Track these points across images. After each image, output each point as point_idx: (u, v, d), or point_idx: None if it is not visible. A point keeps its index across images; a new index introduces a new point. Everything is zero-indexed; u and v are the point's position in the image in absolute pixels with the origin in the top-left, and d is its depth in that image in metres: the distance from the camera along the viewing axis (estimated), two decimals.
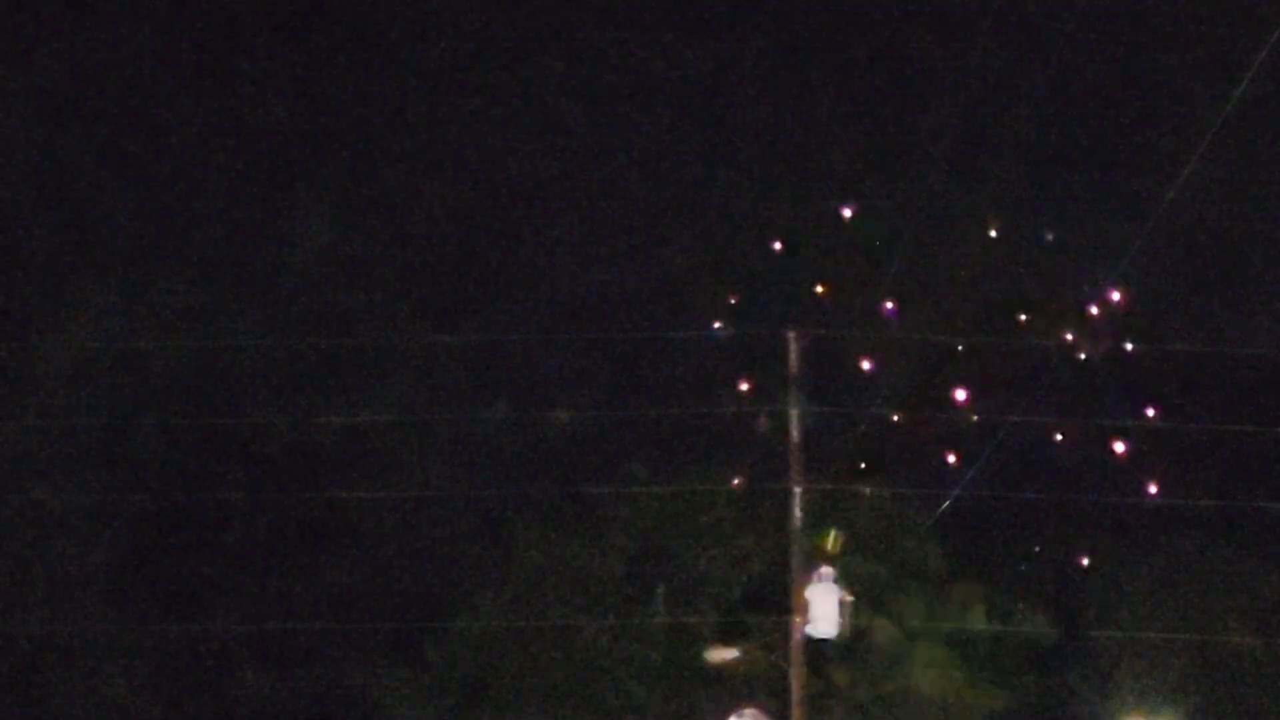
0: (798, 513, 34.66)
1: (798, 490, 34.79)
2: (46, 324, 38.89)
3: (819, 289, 40.32)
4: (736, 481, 38.46)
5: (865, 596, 35.77)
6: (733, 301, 40.82)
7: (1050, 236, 40.66)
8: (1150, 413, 38.89)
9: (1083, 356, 39.33)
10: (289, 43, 44.68)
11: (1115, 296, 39.34)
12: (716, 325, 40.30)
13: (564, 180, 43.52)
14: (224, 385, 39.34)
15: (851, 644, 36.08)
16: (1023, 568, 39.10)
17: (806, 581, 33.63)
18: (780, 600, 34.82)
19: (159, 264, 40.95)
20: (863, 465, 38.73)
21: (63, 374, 38.41)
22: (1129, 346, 39.28)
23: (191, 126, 43.83)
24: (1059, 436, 38.82)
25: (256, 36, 44.69)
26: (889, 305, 39.70)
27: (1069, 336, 39.45)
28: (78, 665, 37.67)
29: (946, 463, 38.71)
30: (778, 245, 41.25)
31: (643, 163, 43.50)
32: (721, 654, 35.91)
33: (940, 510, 38.06)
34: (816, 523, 35.11)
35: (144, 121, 43.72)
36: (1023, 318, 39.95)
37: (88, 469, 38.27)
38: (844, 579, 33.92)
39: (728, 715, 35.77)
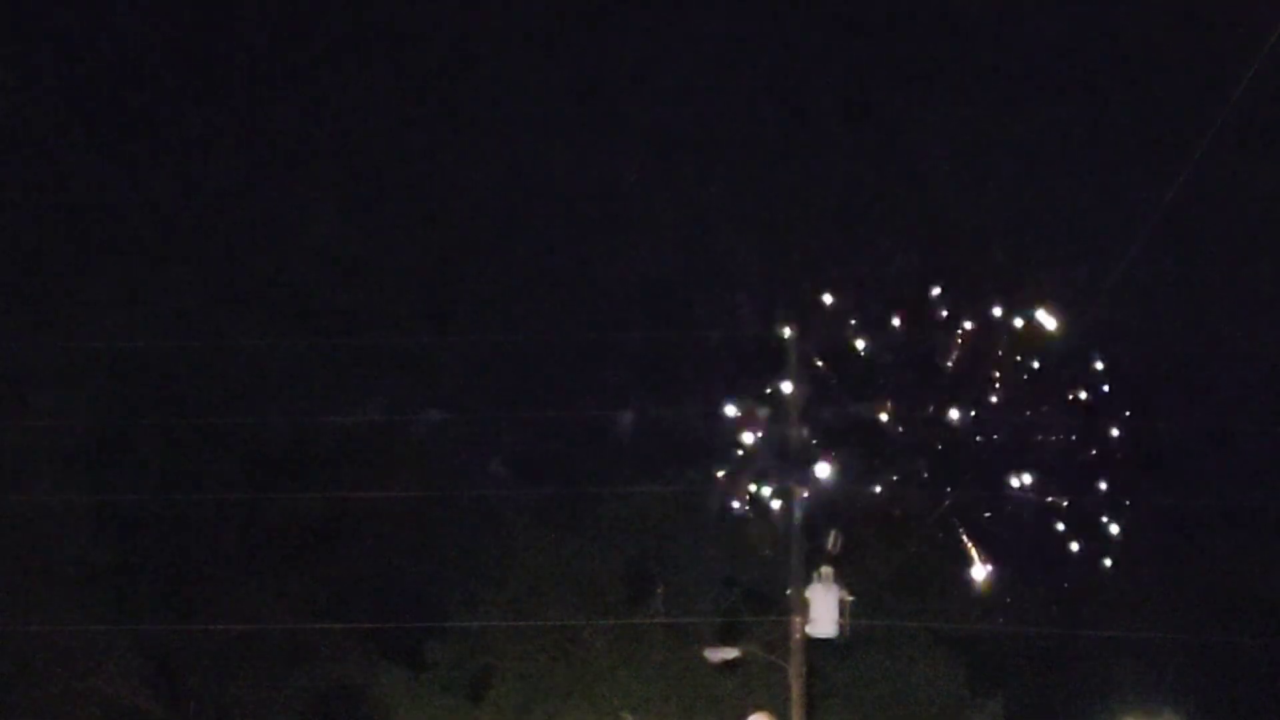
0: (798, 513, 34.57)
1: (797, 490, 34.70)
2: (46, 324, 38.84)
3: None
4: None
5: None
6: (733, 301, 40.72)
7: None
8: None
9: None
10: (289, 43, 44.74)
11: None
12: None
13: (563, 180, 43.59)
14: (224, 385, 39.32)
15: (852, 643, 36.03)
16: None
17: (806, 581, 33.54)
18: (780, 600, 34.75)
19: (159, 264, 40.94)
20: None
21: (63, 374, 38.38)
22: None
23: (192, 126, 43.88)
24: None
25: (257, 36, 44.76)
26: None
27: None
28: (78, 665, 37.64)
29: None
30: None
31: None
32: (721, 654, 35.82)
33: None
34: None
35: (144, 121, 43.76)
36: None
37: (88, 469, 38.25)
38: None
39: (729, 715, 35.76)
